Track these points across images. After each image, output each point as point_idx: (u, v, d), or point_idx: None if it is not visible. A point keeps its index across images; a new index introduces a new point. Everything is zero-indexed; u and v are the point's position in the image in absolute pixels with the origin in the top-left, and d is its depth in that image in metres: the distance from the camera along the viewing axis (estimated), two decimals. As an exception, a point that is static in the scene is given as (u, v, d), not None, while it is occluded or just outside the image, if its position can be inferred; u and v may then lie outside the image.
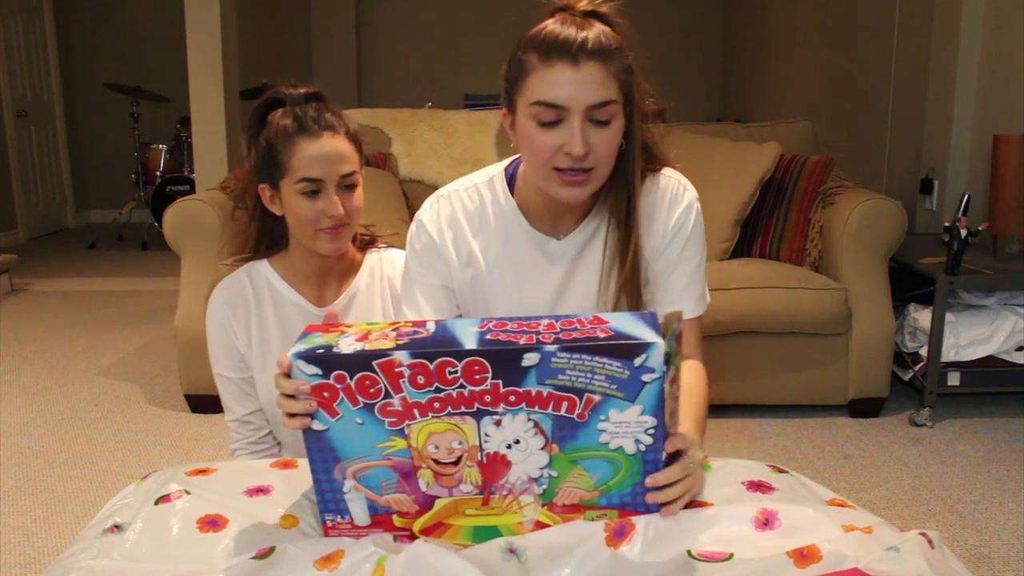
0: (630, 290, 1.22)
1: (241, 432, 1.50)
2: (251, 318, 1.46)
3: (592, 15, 1.14)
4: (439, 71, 7.36)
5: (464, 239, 1.27)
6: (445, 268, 1.28)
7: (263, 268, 1.48)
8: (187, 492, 0.99)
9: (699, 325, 1.30)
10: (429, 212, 1.29)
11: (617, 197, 1.20)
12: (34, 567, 1.86)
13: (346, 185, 1.36)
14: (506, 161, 1.31)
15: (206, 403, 2.76)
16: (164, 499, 0.98)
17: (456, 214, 1.28)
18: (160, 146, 6.08)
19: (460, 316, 1.32)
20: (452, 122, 3.33)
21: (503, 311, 1.28)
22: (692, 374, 1.23)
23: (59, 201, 6.85)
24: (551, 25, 1.12)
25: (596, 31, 1.10)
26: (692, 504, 0.93)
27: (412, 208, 3.18)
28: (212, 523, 0.93)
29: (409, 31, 7.42)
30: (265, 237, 1.49)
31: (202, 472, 1.07)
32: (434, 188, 3.18)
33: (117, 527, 0.94)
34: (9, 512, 2.12)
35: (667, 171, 1.28)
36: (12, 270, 4.65)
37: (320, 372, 0.82)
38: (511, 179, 1.28)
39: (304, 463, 1.10)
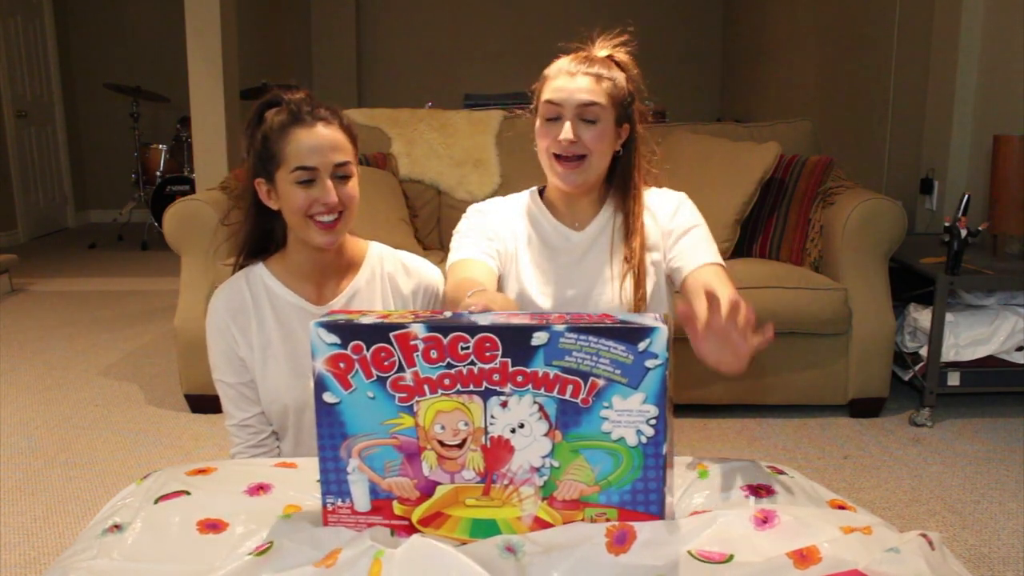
0: (634, 268, 1.52)
1: (241, 436, 1.50)
2: (251, 322, 1.46)
3: (609, 59, 1.51)
4: (439, 71, 7.36)
5: (509, 225, 1.59)
6: (495, 233, 1.57)
7: (260, 271, 1.48)
8: (187, 492, 0.99)
9: (725, 272, 1.51)
10: (481, 203, 1.63)
11: (623, 194, 1.55)
12: (34, 567, 1.87)
13: (340, 176, 1.38)
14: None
15: (206, 403, 2.76)
16: (164, 499, 0.98)
17: (503, 210, 1.62)
18: (160, 146, 6.08)
19: (499, 275, 1.56)
20: (452, 122, 3.33)
21: (533, 283, 1.56)
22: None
23: (59, 201, 6.85)
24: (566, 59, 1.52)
25: (600, 64, 1.48)
26: (692, 515, 0.94)
27: (412, 208, 3.18)
28: (212, 523, 0.93)
29: (409, 31, 7.42)
30: (257, 237, 1.50)
31: (202, 472, 1.07)
32: (434, 188, 3.24)
33: (117, 527, 0.94)
34: (9, 512, 2.12)
35: (657, 188, 1.62)
36: (12, 270, 4.65)
37: (339, 341, 0.87)
38: (541, 192, 1.64)
39: (304, 463, 1.11)
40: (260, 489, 1.02)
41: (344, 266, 1.50)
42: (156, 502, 0.98)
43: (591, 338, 0.84)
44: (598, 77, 1.47)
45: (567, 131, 1.45)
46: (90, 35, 7.04)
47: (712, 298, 1.01)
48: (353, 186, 1.40)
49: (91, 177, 7.21)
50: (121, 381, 3.12)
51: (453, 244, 1.55)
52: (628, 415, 0.86)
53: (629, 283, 1.53)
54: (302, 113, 1.37)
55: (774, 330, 1.06)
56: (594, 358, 0.84)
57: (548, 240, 1.58)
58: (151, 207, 5.74)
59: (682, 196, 1.59)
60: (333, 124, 1.38)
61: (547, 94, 1.48)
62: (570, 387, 0.86)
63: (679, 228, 1.54)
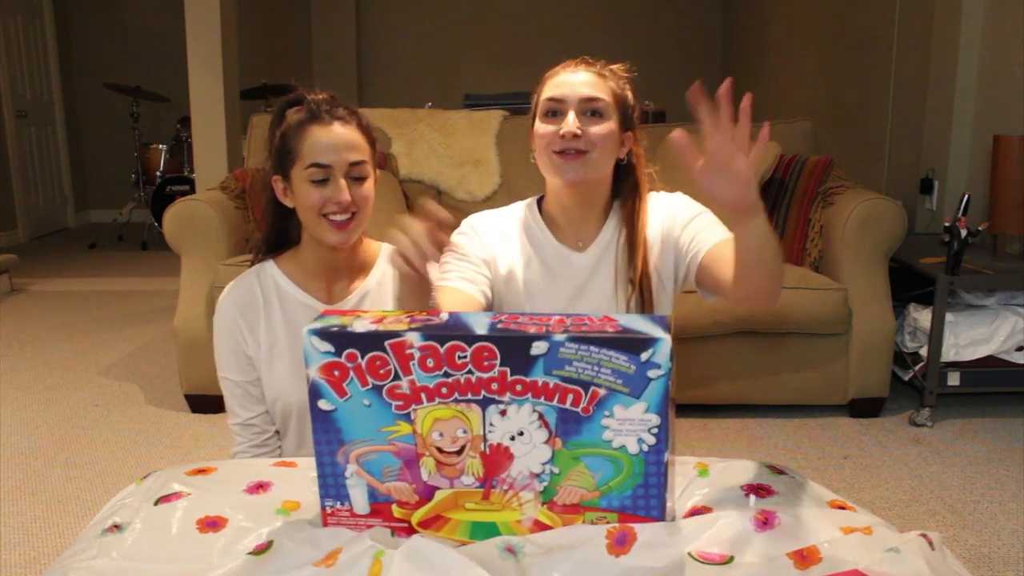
0: (640, 283, 1.45)
1: (244, 435, 1.49)
2: (260, 319, 1.46)
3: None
4: (439, 71, 7.36)
5: (505, 246, 1.49)
6: (490, 253, 1.48)
7: (270, 269, 1.48)
8: (187, 492, 0.99)
9: None
10: (477, 217, 1.52)
11: (629, 208, 1.47)
12: (34, 567, 1.87)
13: (355, 176, 1.38)
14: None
15: (206, 403, 2.76)
16: (164, 499, 0.98)
17: (500, 228, 1.51)
18: (160, 146, 6.08)
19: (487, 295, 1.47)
20: (452, 122, 3.33)
21: (531, 307, 1.47)
22: None
23: (59, 201, 6.85)
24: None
25: (600, 65, 1.45)
26: (692, 511, 0.94)
27: (412, 208, 3.18)
28: (212, 523, 0.93)
29: (409, 31, 7.42)
30: (275, 236, 1.50)
31: (202, 472, 1.07)
32: (434, 188, 3.24)
33: (117, 527, 0.94)
34: (9, 512, 2.12)
35: (653, 192, 1.56)
36: (12, 270, 4.65)
37: (332, 350, 0.85)
38: (539, 203, 1.54)
39: (304, 463, 1.11)
40: (260, 488, 1.02)
41: (357, 267, 1.50)
42: (156, 502, 0.98)
43: (592, 348, 0.82)
44: (601, 75, 1.43)
45: (570, 122, 1.36)
46: (90, 35, 7.04)
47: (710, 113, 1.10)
48: (368, 187, 1.40)
49: (91, 177, 7.21)
50: (121, 381, 3.12)
51: (444, 259, 1.47)
52: (630, 424, 0.84)
53: (635, 304, 1.45)
54: (320, 112, 1.38)
55: (773, 163, 1.20)
56: (595, 368, 0.82)
57: (548, 264, 1.48)
58: (151, 207, 5.73)
59: (677, 195, 1.53)
60: (351, 124, 1.39)
61: (548, 92, 1.41)
62: (570, 396, 0.84)
63: (682, 221, 1.47)
